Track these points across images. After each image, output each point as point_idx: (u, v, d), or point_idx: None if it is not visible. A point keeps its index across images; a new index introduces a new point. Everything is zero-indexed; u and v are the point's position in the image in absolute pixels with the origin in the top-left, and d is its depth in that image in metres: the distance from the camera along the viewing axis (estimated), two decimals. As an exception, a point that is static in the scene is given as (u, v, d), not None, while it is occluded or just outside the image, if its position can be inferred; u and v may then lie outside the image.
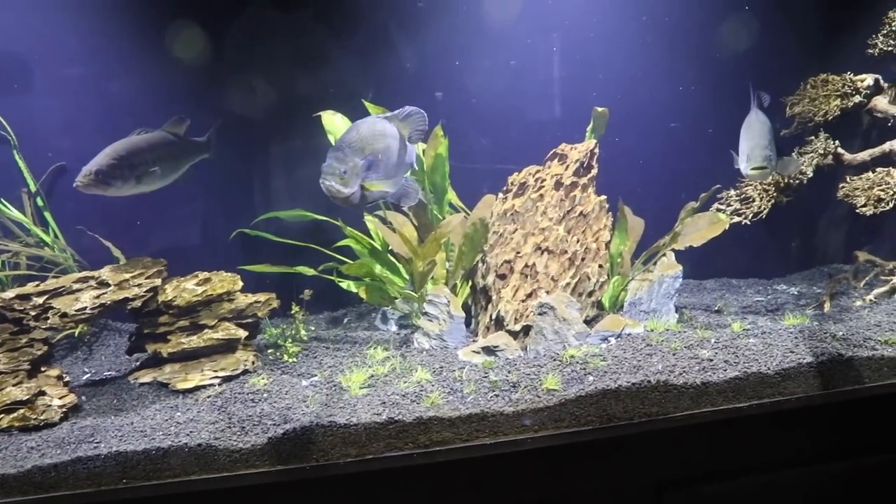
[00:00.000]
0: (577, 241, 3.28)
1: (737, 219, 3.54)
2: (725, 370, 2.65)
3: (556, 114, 3.88)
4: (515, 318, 3.12)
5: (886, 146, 3.46)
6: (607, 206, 3.40)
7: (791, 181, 3.52)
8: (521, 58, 3.78)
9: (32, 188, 3.45)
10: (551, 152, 3.41)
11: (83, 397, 2.78)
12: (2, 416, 2.51)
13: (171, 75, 3.44)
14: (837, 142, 3.48)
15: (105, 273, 2.93)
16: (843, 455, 2.67)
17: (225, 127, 3.29)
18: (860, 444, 2.69)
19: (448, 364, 2.84)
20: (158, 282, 2.96)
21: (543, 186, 3.34)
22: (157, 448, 2.29)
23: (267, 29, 3.53)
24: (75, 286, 2.85)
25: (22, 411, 2.52)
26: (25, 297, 2.76)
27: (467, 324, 3.26)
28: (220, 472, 2.30)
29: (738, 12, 3.80)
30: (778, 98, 3.56)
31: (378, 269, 3.46)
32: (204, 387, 2.76)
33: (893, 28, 3.48)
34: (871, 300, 3.44)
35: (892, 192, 3.30)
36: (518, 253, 3.25)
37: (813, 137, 3.53)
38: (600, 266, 3.30)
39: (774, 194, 3.51)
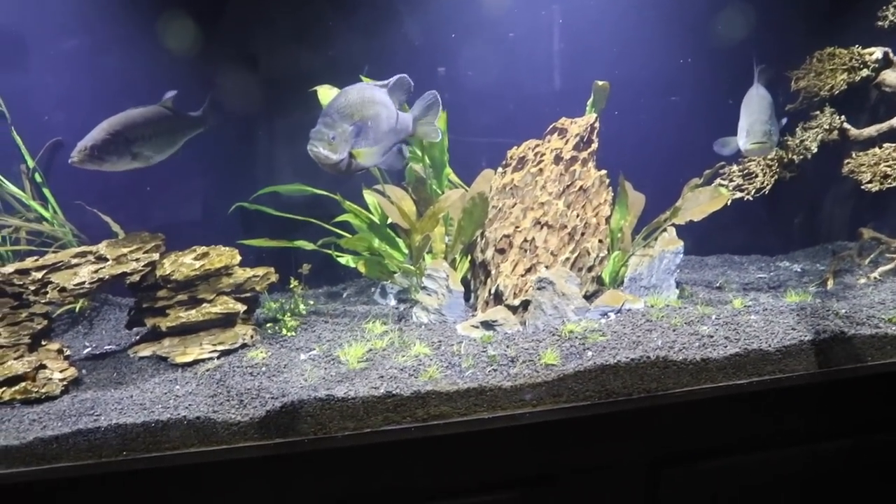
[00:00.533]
0: (577, 215, 3.26)
1: (739, 194, 3.49)
2: (726, 347, 2.64)
3: (556, 87, 3.82)
4: (514, 293, 3.11)
5: (894, 121, 3.41)
6: (608, 180, 3.36)
7: (794, 157, 3.47)
8: (521, 30, 3.71)
9: (30, 164, 3.44)
10: (551, 126, 3.37)
11: (83, 371, 2.79)
12: (4, 388, 2.53)
13: (168, 50, 3.39)
14: (843, 116, 3.42)
15: (103, 248, 2.93)
16: (844, 433, 2.67)
17: (223, 101, 3.25)
18: (861, 422, 2.69)
19: (447, 338, 2.83)
20: (156, 256, 2.96)
21: (543, 161, 3.31)
22: (156, 421, 2.31)
23: (266, 1, 3.47)
24: (73, 261, 2.86)
25: (24, 384, 2.54)
26: (24, 272, 2.76)
27: (466, 298, 3.25)
28: (218, 444, 2.32)
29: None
30: (783, 73, 3.50)
31: (377, 243, 3.45)
32: (203, 360, 2.77)
33: (905, 0, 3.40)
34: (875, 278, 3.41)
35: (898, 168, 3.26)
36: (517, 227, 3.23)
37: (818, 112, 3.47)
38: (600, 241, 3.28)
39: (777, 170, 3.46)
